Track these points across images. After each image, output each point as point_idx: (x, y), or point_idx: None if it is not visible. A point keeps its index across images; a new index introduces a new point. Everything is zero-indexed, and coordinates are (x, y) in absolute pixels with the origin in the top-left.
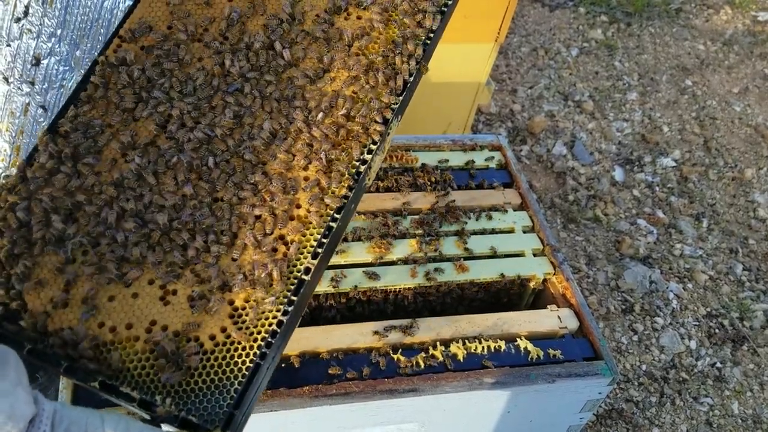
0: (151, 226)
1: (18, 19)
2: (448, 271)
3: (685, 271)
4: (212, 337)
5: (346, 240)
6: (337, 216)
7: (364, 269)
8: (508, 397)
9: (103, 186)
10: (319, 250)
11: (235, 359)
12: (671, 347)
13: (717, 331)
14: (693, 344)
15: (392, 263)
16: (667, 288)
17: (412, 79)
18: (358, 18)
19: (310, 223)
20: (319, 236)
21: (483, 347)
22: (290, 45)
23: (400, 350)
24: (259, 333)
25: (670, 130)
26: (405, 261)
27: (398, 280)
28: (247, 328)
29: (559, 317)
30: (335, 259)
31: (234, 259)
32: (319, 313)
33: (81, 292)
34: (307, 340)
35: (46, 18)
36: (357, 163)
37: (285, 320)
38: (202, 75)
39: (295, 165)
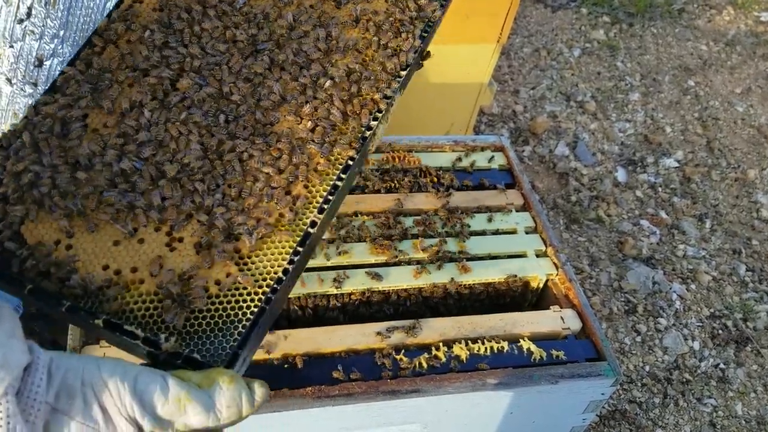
0: (158, 175)
1: (21, 21)
2: (451, 272)
3: (688, 272)
4: (218, 282)
5: (347, 241)
6: (343, 176)
7: (366, 270)
8: (511, 397)
9: (111, 137)
10: (325, 206)
11: (240, 303)
12: (674, 348)
13: (720, 332)
14: (696, 345)
15: (394, 264)
16: (671, 289)
17: (415, 55)
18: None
19: (317, 180)
20: (325, 193)
21: (486, 348)
22: (298, 16)
23: (402, 351)
24: (264, 280)
25: (672, 130)
26: (407, 262)
27: (401, 280)
28: (252, 274)
29: (561, 318)
30: (338, 260)
31: (241, 211)
32: (323, 314)
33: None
34: (309, 340)
35: (48, 19)
36: (363, 129)
37: (291, 269)
38: (214, 39)
39: (302, 128)
